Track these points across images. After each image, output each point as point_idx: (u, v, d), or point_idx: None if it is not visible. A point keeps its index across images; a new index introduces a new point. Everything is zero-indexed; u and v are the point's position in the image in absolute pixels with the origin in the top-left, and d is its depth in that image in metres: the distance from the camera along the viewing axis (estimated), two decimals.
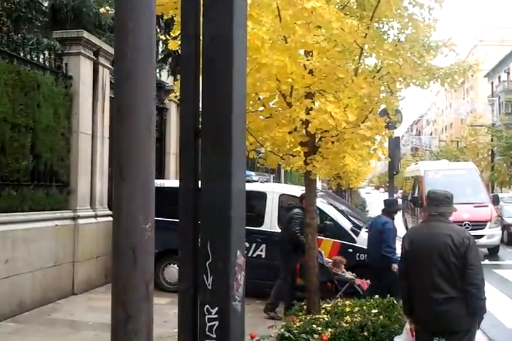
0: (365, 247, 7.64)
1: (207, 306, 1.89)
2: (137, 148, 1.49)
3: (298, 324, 5.14)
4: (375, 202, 36.82)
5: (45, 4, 14.38)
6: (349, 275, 7.34)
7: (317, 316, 5.40)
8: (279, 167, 15.65)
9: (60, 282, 7.28)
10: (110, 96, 8.91)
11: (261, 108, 5.12)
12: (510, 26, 61.01)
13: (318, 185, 29.94)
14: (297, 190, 8.86)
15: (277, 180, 22.10)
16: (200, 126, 1.97)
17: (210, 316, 1.89)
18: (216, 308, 1.87)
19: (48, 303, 6.89)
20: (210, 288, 1.88)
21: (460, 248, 3.41)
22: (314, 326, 5.04)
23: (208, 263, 1.88)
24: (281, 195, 8.46)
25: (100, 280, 8.29)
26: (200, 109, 1.99)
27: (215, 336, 1.88)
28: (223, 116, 1.85)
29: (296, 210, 7.04)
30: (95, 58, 8.26)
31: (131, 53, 1.45)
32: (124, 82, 1.50)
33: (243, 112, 1.98)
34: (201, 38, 1.92)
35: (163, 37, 5.40)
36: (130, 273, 1.48)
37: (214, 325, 1.89)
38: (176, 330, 2.17)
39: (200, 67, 1.92)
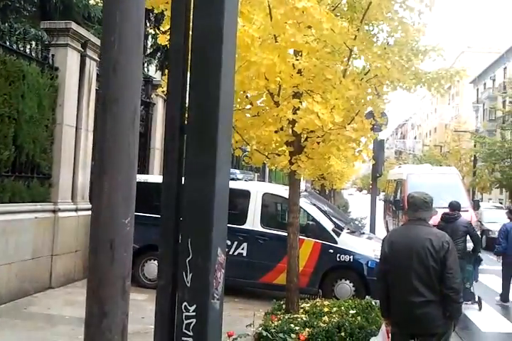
0: (346, 248, 7.71)
1: (185, 303, 1.87)
2: (120, 141, 1.46)
3: (276, 323, 5.16)
4: (357, 204, 37.08)
5: None
6: None
7: (295, 316, 5.42)
8: (264, 166, 15.65)
9: (38, 275, 7.19)
10: (96, 89, 8.81)
11: (248, 106, 5.10)
12: (498, 34, 61.96)
13: (302, 185, 30.00)
14: (281, 190, 8.88)
15: (262, 178, 22.12)
16: (186, 121, 1.95)
17: (187, 313, 1.87)
18: (194, 306, 1.86)
19: (24, 296, 6.80)
20: (188, 285, 1.86)
21: (439, 252, 3.43)
22: (292, 325, 5.06)
23: (188, 260, 1.86)
24: (265, 193, 8.46)
25: (79, 274, 8.20)
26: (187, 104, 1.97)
27: (191, 334, 1.86)
28: (210, 111, 1.83)
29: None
30: (83, 50, 8.16)
31: (117, 45, 1.43)
32: (109, 74, 1.47)
33: (230, 108, 1.96)
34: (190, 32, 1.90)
35: (152, 31, 5.35)
36: (107, 267, 1.46)
37: (191, 322, 1.87)
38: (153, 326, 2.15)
39: (189, 61, 1.90)
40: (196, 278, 1.85)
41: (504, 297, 8.88)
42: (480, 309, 8.22)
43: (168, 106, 1.97)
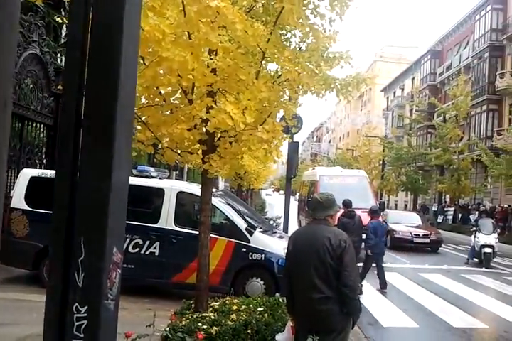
0: (259, 247, 7.83)
1: (76, 304, 1.80)
2: None
3: (184, 322, 5.12)
4: (274, 204, 37.84)
5: None
6: None
7: (204, 314, 5.40)
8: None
9: None
10: None
11: (162, 102, 5.01)
12: (407, 45, 65.97)
13: (221, 184, 30.01)
14: (196, 188, 8.83)
15: (180, 177, 21.86)
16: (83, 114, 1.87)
17: (78, 315, 1.80)
18: (86, 307, 1.79)
19: None
20: (80, 285, 1.79)
21: (336, 250, 3.57)
22: (200, 324, 5.04)
23: (80, 259, 1.79)
24: (180, 192, 8.37)
25: None
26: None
27: (82, 335, 1.79)
28: (107, 105, 1.76)
29: None
30: None
31: None
32: None
33: (131, 103, 1.90)
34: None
35: (59, 19, 5.10)
36: None
37: (83, 323, 1.80)
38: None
39: (87, 51, 1.82)
40: (89, 278, 1.78)
41: (382, 285, 9.80)
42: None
43: (64, 98, 1.88)
